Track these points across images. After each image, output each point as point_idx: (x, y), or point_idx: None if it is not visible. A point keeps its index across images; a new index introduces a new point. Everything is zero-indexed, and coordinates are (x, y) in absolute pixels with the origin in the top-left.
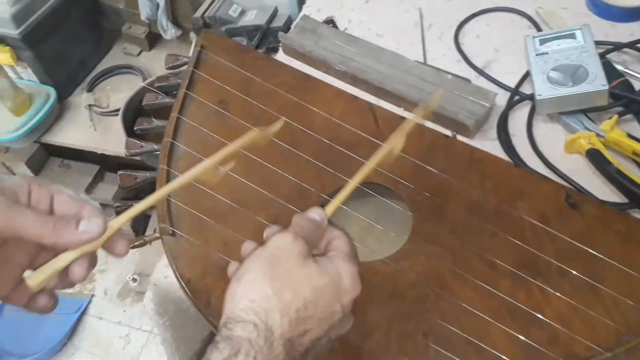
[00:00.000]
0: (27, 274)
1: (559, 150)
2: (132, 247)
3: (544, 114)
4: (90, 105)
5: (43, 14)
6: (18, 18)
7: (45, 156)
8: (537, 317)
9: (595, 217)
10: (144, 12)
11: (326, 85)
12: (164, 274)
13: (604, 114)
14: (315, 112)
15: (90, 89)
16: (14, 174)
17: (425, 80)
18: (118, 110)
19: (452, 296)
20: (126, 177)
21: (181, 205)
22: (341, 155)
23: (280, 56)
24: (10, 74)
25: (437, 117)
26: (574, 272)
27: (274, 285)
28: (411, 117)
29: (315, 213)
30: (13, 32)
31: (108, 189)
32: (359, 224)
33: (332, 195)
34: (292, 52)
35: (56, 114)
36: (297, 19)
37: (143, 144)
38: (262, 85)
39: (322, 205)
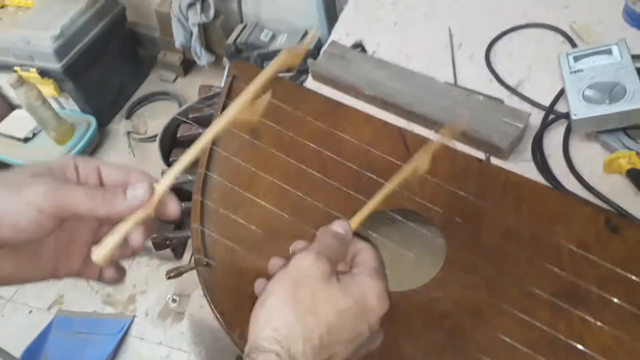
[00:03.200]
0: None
1: (597, 171)
2: (169, 278)
3: (581, 133)
4: (128, 132)
5: (83, 46)
6: (60, 52)
7: None
8: (579, 349)
9: (638, 241)
10: (179, 39)
11: (355, 111)
12: (199, 303)
13: None
14: (345, 138)
15: (129, 116)
16: None
17: (456, 102)
18: (155, 136)
19: (489, 327)
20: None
21: (215, 236)
22: (372, 182)
23: (310, 82)
24: (54, 104)
25: (470, 140)
26: (617, 301)
27: (297, 311)
28: (438, 139)
29: (339, 226)
30: (56, 65)
31: None
32: (390, 251)
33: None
34: (321, 78)
35: (97, 142)
36: (326, 46)
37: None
38: (293, 114)
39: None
